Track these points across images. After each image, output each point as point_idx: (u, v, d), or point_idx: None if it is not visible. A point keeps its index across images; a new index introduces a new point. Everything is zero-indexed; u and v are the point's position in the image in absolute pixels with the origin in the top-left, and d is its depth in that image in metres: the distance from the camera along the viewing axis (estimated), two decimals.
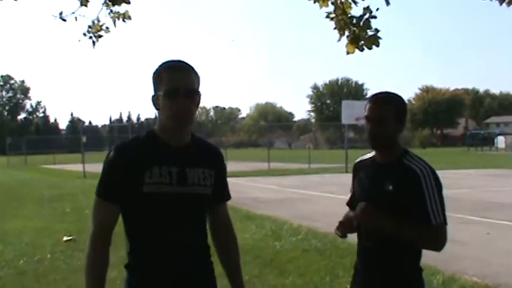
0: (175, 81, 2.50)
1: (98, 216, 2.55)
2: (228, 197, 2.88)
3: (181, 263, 2.56)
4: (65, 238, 10.18)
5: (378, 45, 5.47)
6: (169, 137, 2.56)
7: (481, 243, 9.87)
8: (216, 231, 2.85)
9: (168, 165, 2.52)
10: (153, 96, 2.59)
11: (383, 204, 2.81)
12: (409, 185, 2.77)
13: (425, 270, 2.96)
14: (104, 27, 6.45)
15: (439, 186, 2.80)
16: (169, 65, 2.57)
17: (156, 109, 2.59)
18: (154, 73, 2.58)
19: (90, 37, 6.46)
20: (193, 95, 2.54)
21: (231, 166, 32.41)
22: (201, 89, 2.60)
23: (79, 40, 6.46)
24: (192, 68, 2.58)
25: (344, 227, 2.97)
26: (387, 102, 2.91)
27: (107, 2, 6.19)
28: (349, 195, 3.23)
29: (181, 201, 2.54)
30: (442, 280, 6.99)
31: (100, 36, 6.47)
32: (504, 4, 5.35)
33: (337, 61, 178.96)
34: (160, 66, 2.58)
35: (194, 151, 2.62)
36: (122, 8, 6.30)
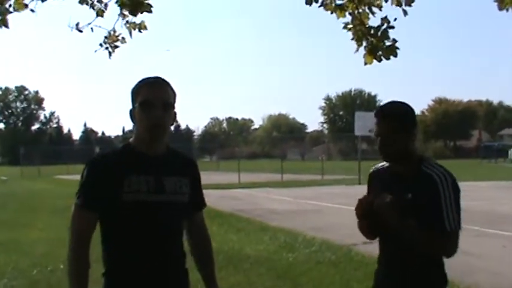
0: (151, 94, 2.63)
1: (77, 224, 2.62)
2: (204, 205, 3.00)
3: (159, 271, 2.63)
4: None
5: (395, 56, 5.47)
6: (146, 147, 2.68)
7: (496, 256, 9.77)
8: (192, 238, 2.96)
9: (145, 174, 2.62)
10: (130, 110, 2.71)
11: (401, 210, 2.80)
12: (427, 191, 2.77)
13: None
14: (120, 38, 6.49)
15: (456, 192, 2.79)
16: (147, 80, 2.70)
17: (133, 122, 2.71)
18: (132, 89, 2.70)
19: (107, 48, 6.49)
20: (168, 108, 2.65)
21: (244, 177, 32.63)
22: (178, 105, 2.74)
23: (95, 51, 6.51)
24: (168, 84, 2.70)
25: (363, 203, 2.94)
26: (393, 114, 2.90)
27: (123, 12, 6.23)
28: None
29: (159, 209, 2.63)
30: None
31: (116, 46, 6.51)
32: None
33: (349, 72, 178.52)
34: (138, 82, 2.71)
35: (170, 161, 2.74)
36: (137, 19, 6.34)
